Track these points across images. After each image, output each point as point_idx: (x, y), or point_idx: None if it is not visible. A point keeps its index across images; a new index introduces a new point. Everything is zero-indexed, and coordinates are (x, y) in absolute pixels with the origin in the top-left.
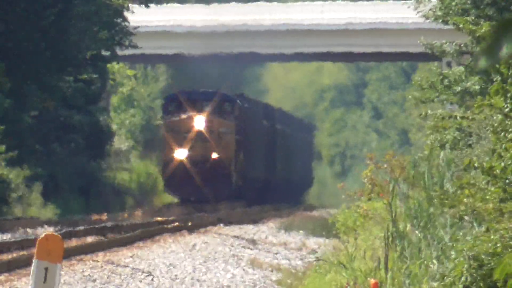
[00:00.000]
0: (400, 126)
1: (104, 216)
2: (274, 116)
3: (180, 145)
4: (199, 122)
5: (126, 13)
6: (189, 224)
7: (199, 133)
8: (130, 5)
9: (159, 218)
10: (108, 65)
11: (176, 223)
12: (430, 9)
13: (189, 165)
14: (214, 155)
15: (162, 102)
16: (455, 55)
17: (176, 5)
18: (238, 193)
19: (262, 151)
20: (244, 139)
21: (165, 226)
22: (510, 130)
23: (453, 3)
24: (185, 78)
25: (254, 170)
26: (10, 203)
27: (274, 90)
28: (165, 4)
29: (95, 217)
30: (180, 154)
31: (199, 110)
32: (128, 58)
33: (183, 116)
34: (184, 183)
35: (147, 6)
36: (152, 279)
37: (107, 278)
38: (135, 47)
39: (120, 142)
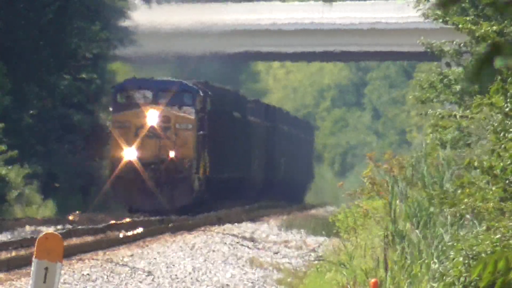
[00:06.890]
0: (399, 125)
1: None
2: (260, 111)
3: (130, 143)
4: (152, 116)
5: (127, 12)
6: (189, 222)
7: (152, 129)
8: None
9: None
10: (109, 65)
11: (176, 222)
12: (430, 8)
13: (140, 167)
14: (171, 155)
15: (110, 92)
16: (454, 55)
17: (176, 4)
18: (201, 198)
19: (237, 148)
20: (209, 136)
21: (165, 225)
22: (510, 130)
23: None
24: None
25: (226, 171)
26: (9, 202)
27: (275, 91)
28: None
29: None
30: (129, 154)
31: (153, 102)
32: (129, 58)
33: (133, 109)
34: (134, 189)
35: (148, 3)
36: (152, 279)
37: (107, 277)
38: (134, 46)
39: None
